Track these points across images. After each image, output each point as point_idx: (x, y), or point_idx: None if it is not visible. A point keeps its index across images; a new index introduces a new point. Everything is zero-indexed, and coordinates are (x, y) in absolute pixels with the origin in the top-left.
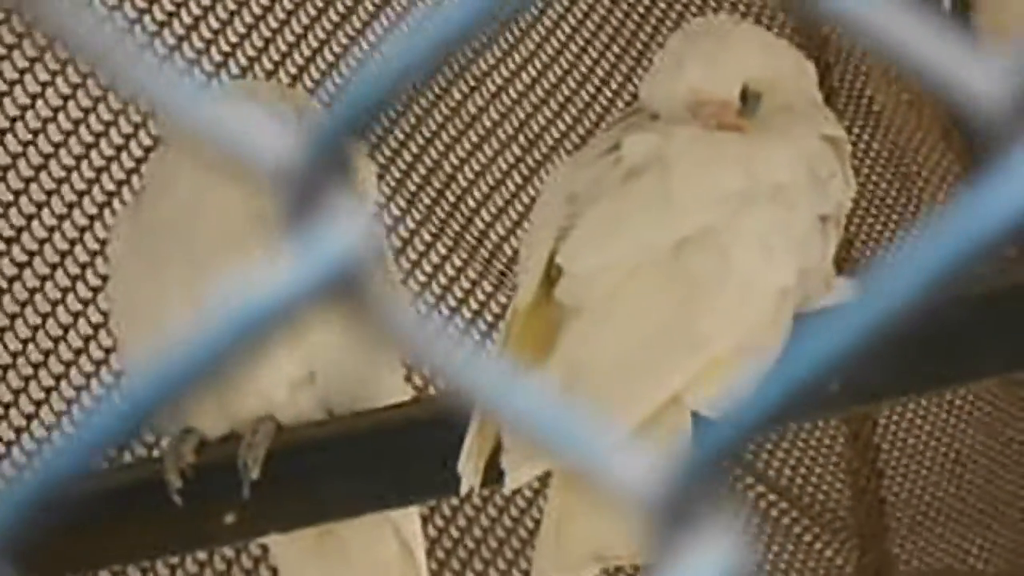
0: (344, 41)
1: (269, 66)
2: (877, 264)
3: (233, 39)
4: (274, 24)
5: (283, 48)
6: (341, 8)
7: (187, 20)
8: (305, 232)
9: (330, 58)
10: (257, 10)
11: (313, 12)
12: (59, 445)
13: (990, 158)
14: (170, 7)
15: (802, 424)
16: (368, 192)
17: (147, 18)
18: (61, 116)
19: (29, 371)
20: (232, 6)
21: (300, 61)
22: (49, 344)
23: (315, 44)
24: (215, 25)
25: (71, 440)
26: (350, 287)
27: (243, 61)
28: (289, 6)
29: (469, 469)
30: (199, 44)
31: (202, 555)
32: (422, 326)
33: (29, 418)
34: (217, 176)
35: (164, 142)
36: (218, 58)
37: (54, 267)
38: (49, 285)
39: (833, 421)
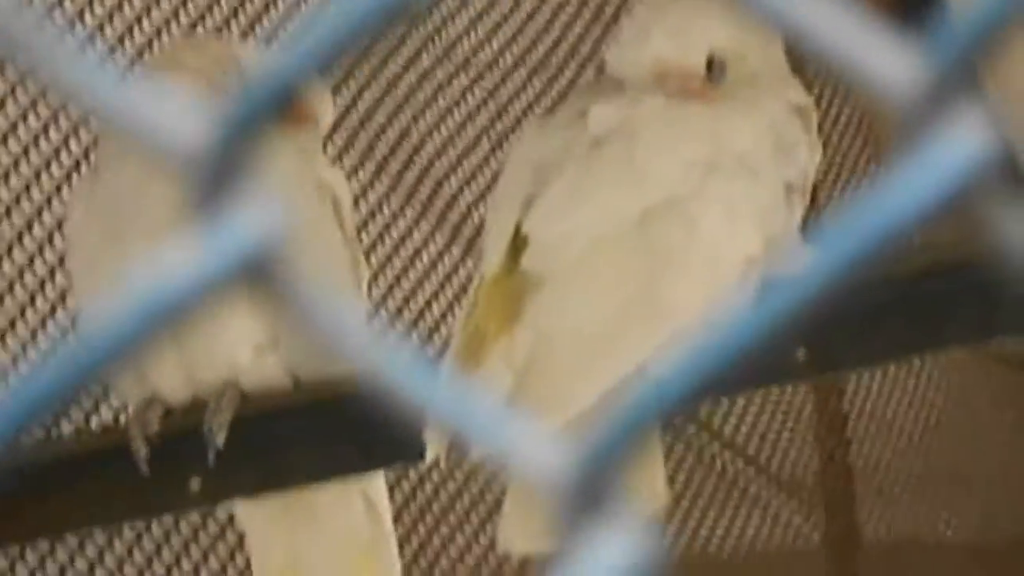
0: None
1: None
2: (829, 220)
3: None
4: None
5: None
6: None
7: None
8: (216, 217)
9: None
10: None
11: None
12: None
13: (903, 145)
14: None
15: (769, 391)
16: (323, 122)
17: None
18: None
19: None
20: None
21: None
22: None
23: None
24: None
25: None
26: (262, 274)
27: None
28: None
29: (435, 438)
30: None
31: (168, 521)
32: (336, 316)
33: None
34: None
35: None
36: (155, 26)
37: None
38: None
39: (801, 389)
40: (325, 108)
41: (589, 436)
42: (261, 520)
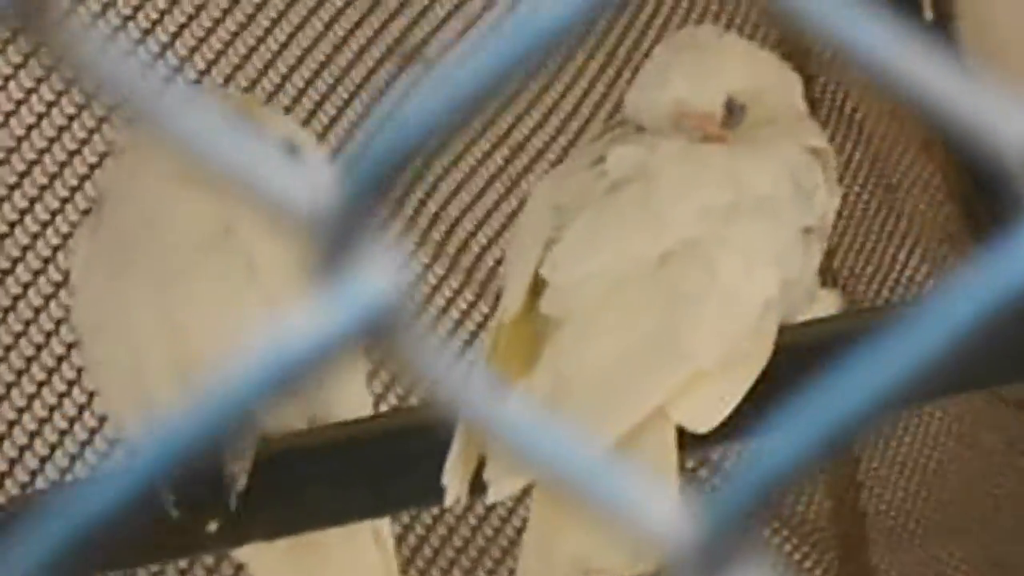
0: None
1: (292, 96)
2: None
3: (251, 74)
4: (291, 60)
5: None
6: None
7: (207, 55)
8: (338, 279)
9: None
10: (274, 46)
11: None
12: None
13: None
14: (191, 42)
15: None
16: (306, 148)
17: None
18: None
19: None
20: (251, 43)
21: (317, 97)
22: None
23: (329, 81)
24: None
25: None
26: (381, 333)
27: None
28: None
29: (455, 480)
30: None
31: (183, 563)
32: (451, 372)
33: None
34: (182, 185)
35: (120, 149)
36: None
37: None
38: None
39: None
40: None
41: (710, 503)
42: (273, 560)
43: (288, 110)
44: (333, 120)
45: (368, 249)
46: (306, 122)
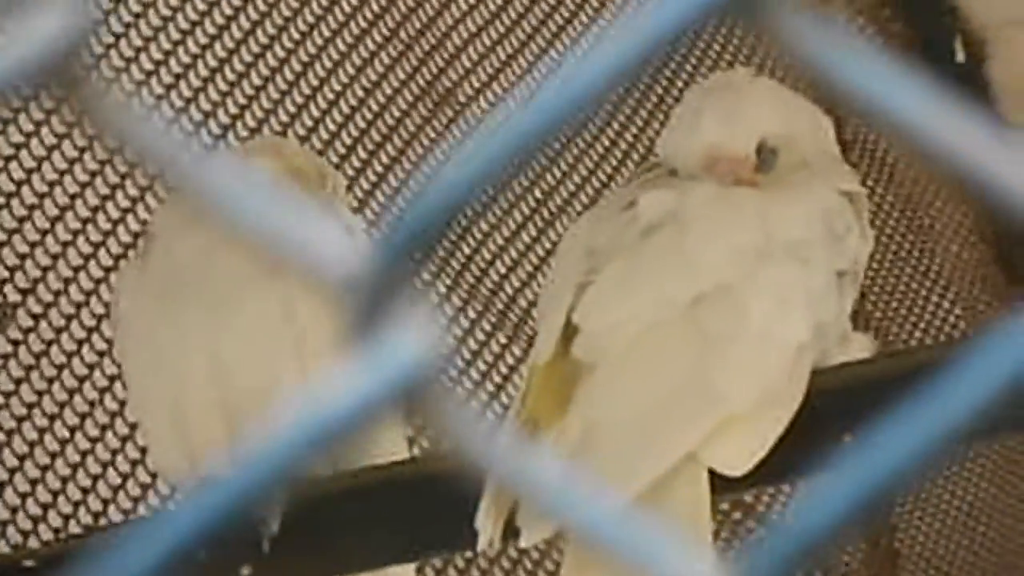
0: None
1: (335, 159)
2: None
3: (299, 131)
4: (339, 117)
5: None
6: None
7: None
8: (376, 341)
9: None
10: (323, 104)
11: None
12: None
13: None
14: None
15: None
16: (340, 197)
17: (194, 106)
18: (68, 178)
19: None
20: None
21: (364, 155)
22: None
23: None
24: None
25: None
26: (419, 396)
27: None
28: (354, 100)
29: (488, 524)
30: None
31: None
32: (491, 439)
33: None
34: None
35: (171, 195)
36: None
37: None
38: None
39: None
40: (340, 189)
41: (748, 564)
42: None
43: (336, 166)
44: (364, 164)
45: (406, 311)
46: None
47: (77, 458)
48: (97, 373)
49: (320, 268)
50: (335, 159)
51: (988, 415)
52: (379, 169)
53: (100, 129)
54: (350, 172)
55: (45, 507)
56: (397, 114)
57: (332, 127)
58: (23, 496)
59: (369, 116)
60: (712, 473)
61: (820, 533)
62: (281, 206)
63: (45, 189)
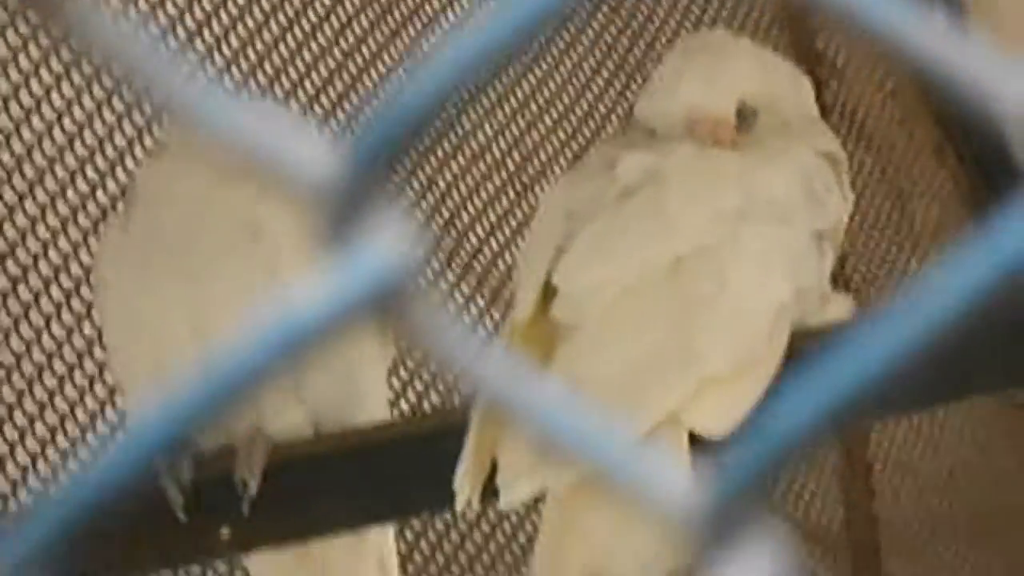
0: (373, 50)
1: (295, 76)
2: (901, 292)
3: (260, 49)
4: (300, 35)
5: (308, 60)
6: (371, 16)
7: (215, 33)
8: (348, 247)
9: (358, 68)
10: (284, 22)
11: (339, 22)
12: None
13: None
14: (200, 18)
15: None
16: None
17: (178, 28)
18: (56, 131)
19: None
20: (260, 18)
21: (326, 72)
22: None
23: (342, 53)
24: (242, 35)
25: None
26: (394, 302)
27: (269, 71)
28: (315, 18)
29: (466, 486)
30: (225, 55)
31: (195, 572)
32: (466, 345)
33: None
34: (216, 187)
35: (154, 153)
36: (243, 69)
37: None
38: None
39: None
40: None
41: (722, 468)
42: (273, 573)
43: (296, 86)
44: (341, 96)
45: (378, 219)
46: (315, 98)
47: (56, 421)
48: (76, 336)
49: (292, 174)
50: (301, 69)
51: (964, 319)
52: (347, 79)
53: (85, 47)
54: (327, 104)
55: (15, 484)
56: (375, 47)
57: (309, 59)
58: None
59: (346, 48)
60: (692, 436)
61: (785, 451)
62: (254, 116)
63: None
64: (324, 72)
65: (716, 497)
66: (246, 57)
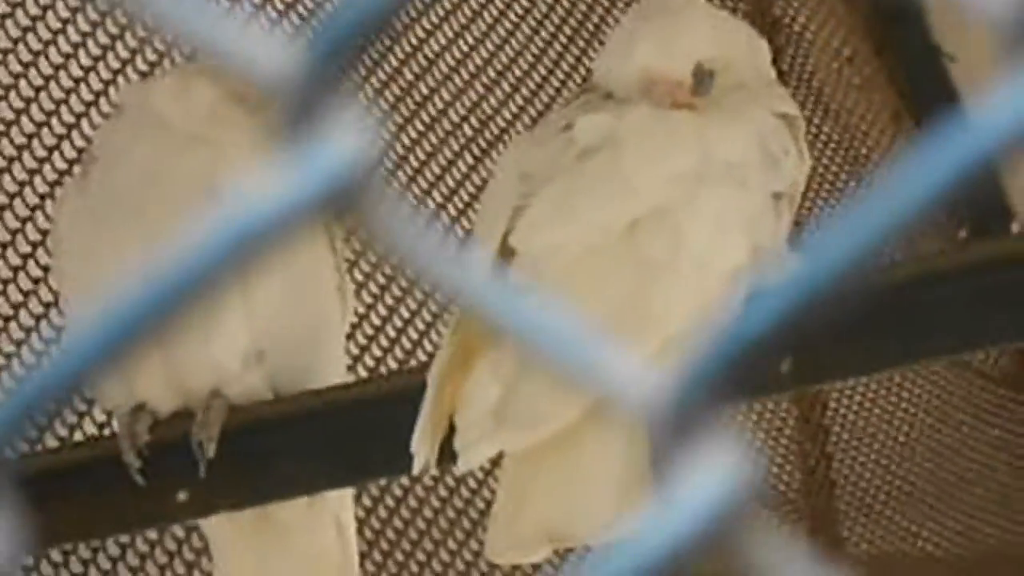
0: None
1: None
2: (815, 230)
3: None
4: None
5: None
6: None
7: None
8: (304, 143)
9: None
10: None
11: None
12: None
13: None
14: None
15: (751, 406)
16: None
17: None
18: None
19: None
20: None
21: None
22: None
23: None
24: None
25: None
26: (350, 198)
27: None
28: None
29: (423, 448)
30: None
31: (152, 536)
32: (423, 238)
33: None
34: (173, 148)
35: (114, 113)
36: None
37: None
38: None
39: (783, 403)
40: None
41: (681, 365)
42: (231, 539)
43: None
44: None
45: (335, 115)
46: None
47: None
48: (33, 300)
49: (251, 70)
50: None
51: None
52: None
53: None
54: None
55: None
56: None
57: None
58: None
59: None
60: None
61: (744, 348)
62: (213, 15)
63: None
64: None
65: (678, 394)
66: None
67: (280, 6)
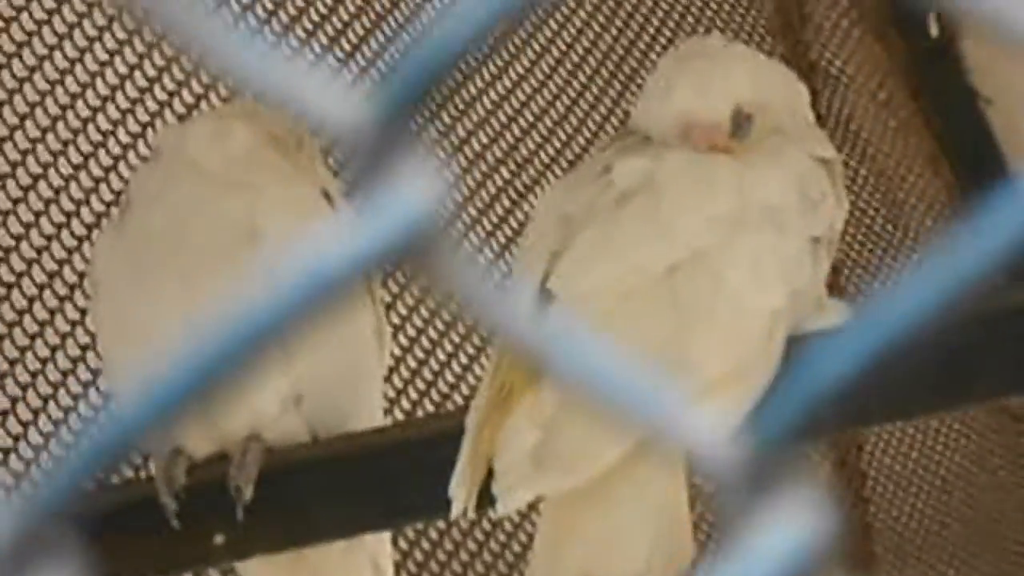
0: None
1: (332, 32)
2: (876, 290)
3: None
4: None
5: (346, 15)
6: None
7: None
8: (375, 194)
9: (393, 24)
10: None
11: None
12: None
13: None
14: None
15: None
16: (316, 160)
17: None
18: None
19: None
20: None
21: (361, 29)
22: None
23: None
24: None
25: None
26: (419, 249)
27: (308, 26)
28: None
29: (461, 492)
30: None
31: None
32: (489, 289)
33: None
34: (211, 190)
35: (151, 156)
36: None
37: (51, 276)
38: (38, 303)
39: (820, 447)
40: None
41: (757, 422)
42: None
43: (317, 26)
44: (362, 39)
45: (403, 166)
46: (334, 40)
47: (51, 428)
48: (70, 342)
49: (322, 123)
50: (323, 10)
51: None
52: (367, 24)
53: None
54: (347, 47)
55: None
56: None
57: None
58: None
59: None
60: None
61: (821, 399)
62: (285, 68)
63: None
64: (361, 27)
65: (753, 449)
66: (285, 10)
67: (342, 53)
